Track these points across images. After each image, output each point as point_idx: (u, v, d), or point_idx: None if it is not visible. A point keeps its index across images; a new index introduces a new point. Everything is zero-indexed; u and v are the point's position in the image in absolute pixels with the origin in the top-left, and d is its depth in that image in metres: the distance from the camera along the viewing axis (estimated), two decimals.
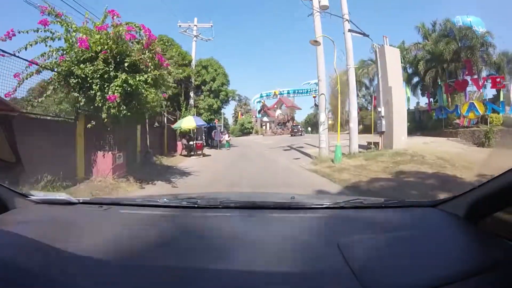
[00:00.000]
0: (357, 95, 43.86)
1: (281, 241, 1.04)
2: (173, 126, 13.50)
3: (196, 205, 1.41)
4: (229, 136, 20.78)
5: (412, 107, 34.69)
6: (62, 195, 1.49)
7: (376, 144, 12.72)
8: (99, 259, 0.86)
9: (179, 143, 14.99)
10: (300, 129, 37.76)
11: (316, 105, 44.55)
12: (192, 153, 13.53)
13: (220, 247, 0.98)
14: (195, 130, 15.92)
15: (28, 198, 1.39)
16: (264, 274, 0.82)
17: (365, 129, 31.79)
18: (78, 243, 0.98)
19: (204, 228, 1.20)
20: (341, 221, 1.26)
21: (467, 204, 1.09)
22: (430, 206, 1.32)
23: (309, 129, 44.57)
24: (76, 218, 1.30)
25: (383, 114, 12.66)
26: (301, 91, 44.51)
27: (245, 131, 46.74)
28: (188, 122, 13.00)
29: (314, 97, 42.47)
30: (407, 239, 1.02)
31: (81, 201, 1.46)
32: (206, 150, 18.59)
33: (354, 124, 11.79)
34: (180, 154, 14.00)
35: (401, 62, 33.85)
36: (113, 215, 1.36)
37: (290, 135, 36.56)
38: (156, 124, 14.26)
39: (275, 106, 47.03)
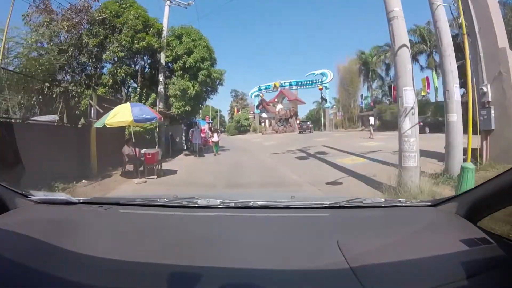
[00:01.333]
0: (370, 87, 37.98)
1: (282, 241, 1.04)
2: (95, 123, 7.36)
3: (196, 205, 1.38)
4: (218, 136, 14.82)
5: (439, 98, 28.96)
6: (62, 195, 1.47)
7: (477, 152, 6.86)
8: (99, 259, 0.87)
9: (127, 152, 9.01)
10: (309, 125, 32.75)
11: (323, 99, 38.74)
12: (142, 169, 7.56)
13: (220, 247, 0.98)
14: (157, 130, 10.09)
15: (28, 198, 1.37)
16: (265, 273, 0.82)
17: (384, 126, 26.27)
18: (78, 243, 0.98)
19: (204, 228, 1.19)
20: (341, 221, 1.26)
21: (467, 204, 1.12)
22: (430, 206, 1.32)
23: None
24: (76, 218, 1.28)
25: (490, 98, 6.80)
26: (305, 82, 38.55)
27: (241, 129, 40.80)
28: (119, 115, 6.83)
29: (321, 89, 36.63)
30: (407, 239, 1.02)
31: (81, 201, 1.45)
32: (181, 159, 12.67)
33: (458, 116, 5.84)
34: (122, 174, 8.00)
35: (426, 45, 28.16)
36: (113, 215, 1.35)
37: (298, 131, 32.36)
38: (83, 121, 8.30)
39: (276, 100, 40.95)
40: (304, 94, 53.44)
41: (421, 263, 0.84)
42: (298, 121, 38.56)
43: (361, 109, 34.47)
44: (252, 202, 1.37)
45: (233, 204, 1.36)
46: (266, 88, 40.57)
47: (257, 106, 41.29)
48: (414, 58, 30.58)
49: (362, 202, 1.37)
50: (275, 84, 39.45)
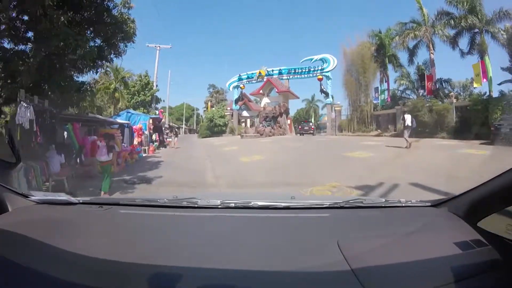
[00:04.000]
0: (386, 78, 28.92)
1: (281, 241, 1.04)
2: None
3: (196, 205, 1.39)
4: (111, 151, 4.81)
5: (495, 91, 20.21)
6: (62, 195, 1.47)
7: None
8: (99, 259, 0.87)
9: None
10: (312, 126, 26.41)
11: (324, 92, 28.50)
12: None
13: (220, 247, 0.98)
14: None
15: (28, 198, 1.38)
16: (265, 273, 0.83)
17: (421, 130, 16.63)
18: (78, 243, 0.98)
19: (204, 228, 1.19)
20: (341, 221, 1.26)
21: (467, 204, 1.11)
22: (430, 206, 1.33)
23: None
24: (76, 218, 1.30)
25: None
26: (299, 71, 29.05)
27: (215, 130, 30.66)
28: None
29: (320, 79, 27.37)
30: (407, 239, 1.02)
31: (81, 201, 1.45)
32: None
33: None
34: None
35: (478, 19, 19.88)
36: (113, 215, 1.36)
37: (298, 133, 26.30)
38: None
39: (261, 91, 31.25)
40: (295, 89, 40.57)
41: (421, 264, 0.85)
42: (289, 121, 29.20)
43: (375, 106, 25.61)
44: (252, 203, 1.38)
45: (233, 205, 1.37)
46: (248, 78, 30.70)
47: (236, 101, 31.27)
48: (454, 40, 22.47)
49: (362, 203, 1.38)
50: (260, 72, 29.77)
